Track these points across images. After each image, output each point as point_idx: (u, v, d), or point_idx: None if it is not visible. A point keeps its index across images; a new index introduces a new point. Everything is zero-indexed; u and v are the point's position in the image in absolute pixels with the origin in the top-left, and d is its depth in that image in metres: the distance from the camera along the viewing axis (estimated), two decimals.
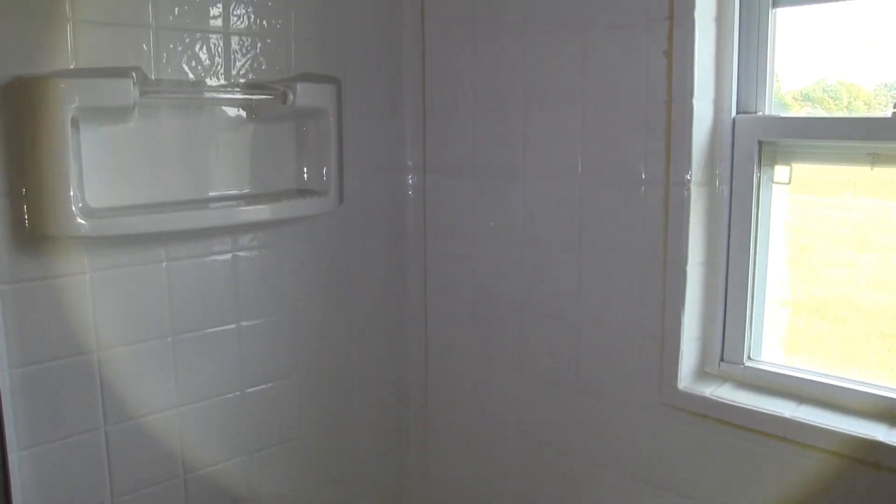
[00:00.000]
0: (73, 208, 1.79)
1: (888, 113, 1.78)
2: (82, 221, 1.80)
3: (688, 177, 1.94)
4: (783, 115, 1.97)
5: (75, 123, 1.82)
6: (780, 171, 2.00)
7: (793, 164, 1.98)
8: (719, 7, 1.95)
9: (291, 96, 2.12)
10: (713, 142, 1.99)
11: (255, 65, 2.19)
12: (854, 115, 1.90)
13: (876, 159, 1.85)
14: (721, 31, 1.96)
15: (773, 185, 2.02)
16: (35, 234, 1.83)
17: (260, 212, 2.11)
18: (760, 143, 1.97)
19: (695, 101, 1.91)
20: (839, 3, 1.91)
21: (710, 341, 2.09)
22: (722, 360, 2.09)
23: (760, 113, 1.98)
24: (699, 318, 2.07)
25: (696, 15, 1.88)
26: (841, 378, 1.91)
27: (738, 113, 2.00)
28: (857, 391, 1.86)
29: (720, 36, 1.96)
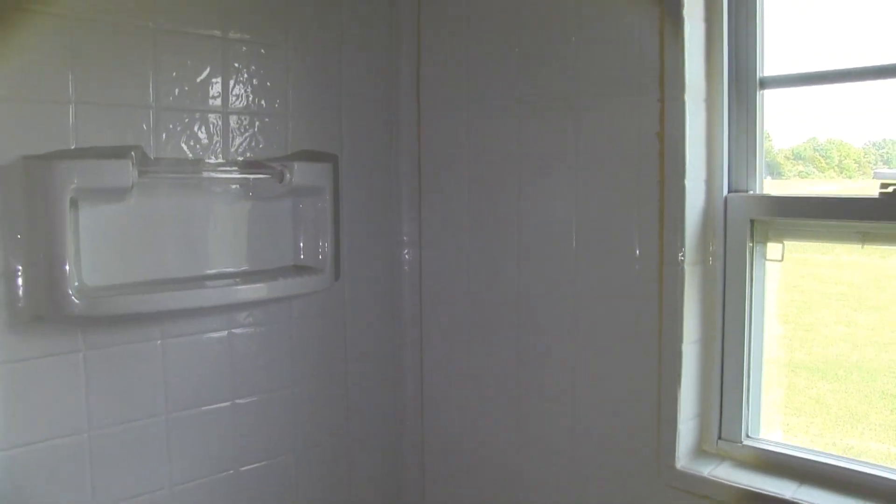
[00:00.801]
0: (70, 288, 1.80)
1: (875, 193, 1.80)
2: (78, 301, 1.81)
3: (681, 256, 1.95)
4: (774, 193, 2.00)
5: (74, 203, 1.85)
6: (773, 248, 2.02)
7: (785, 242, 2.00)
8: (709, 89, 1.99)
9: (289, 175, 2.15)
10: (706, 220, 2.01)
11: (254, 143, 2.22)
12: (843, 195, 1.93)
13: (866, 237, 1.87)
14: (711, 112, 2.00)
15: (766, 263, 2.03)
16: (30, 313, 1.84)
17: (256, 290, 2.12)
18: (752, 221, 2.00)
19: (687, 182, 1.94)
20: (825, 85, 1.96)
21: (707, 419, 2.09)
22: (720, 437, 2.08)
23: (752, 192, 2.01)
24: (696, 396, 2.06)
25: (687, 97, 1.92)
26: (840, 458, 1.91)
27: (729, 191, 2.03)
28: (857, 471, 1.85)
29: (710, 117, 2.00)
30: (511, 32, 2.29)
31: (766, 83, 2.00)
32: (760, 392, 2.07)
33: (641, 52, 1.99)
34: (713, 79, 2.00)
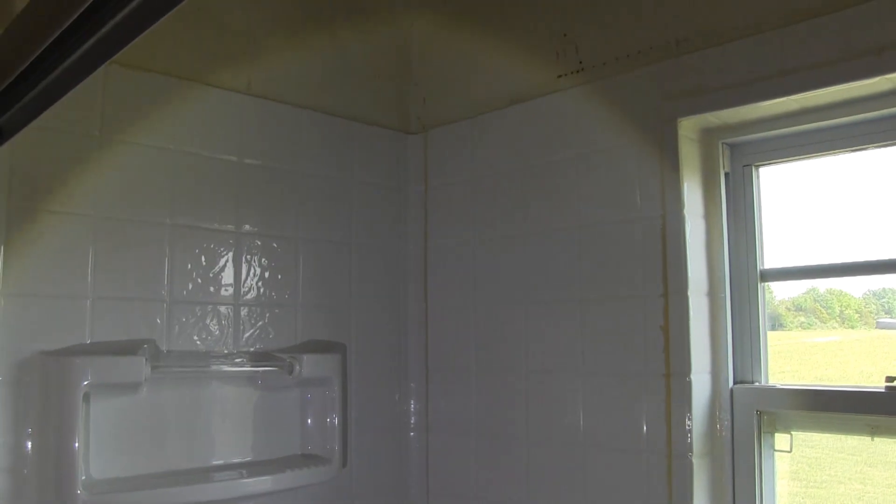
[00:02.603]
0: (77, 484, 1.79)
1: (882, 388, 1.82)
2: (84, 498, 1.79)
3: (689, 451, 1.95)
4: (779, 385, 2.01)
5: (86, 396, 1.86)
6: (781, 438, 2.01)
7: (793, 433, 1.99)
8: (711, 283, 2.05)
9: (298, 368, 2.18)
10: (712, 412, 2.02)
11: (263, 334, 2.26)
12: (849, 387, 1.93)
13: (875, 430, 1.87)
14: (714, 306, 2.05)
15: (775, 453, 2.03)
16: None
17: (261, 483, 2.10)
18: (759, 412, 2.00)
19: (693, 375, 1.96)
20: (825, 279, 2.02)
21: None
22: None
23: (757, 383, 2.03)
24: None
25: (690, 292, 1.97)
26: None
27: (735, 383, 2.04)
28: None
29: (713, 310, 2.05)
30: (517, 235, 2.38)
31: (767, 276, 2.06)
32: None
33: (644, 248, 2.06)
34: (715, 273, 2.05)
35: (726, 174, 2.12)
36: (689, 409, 1.96)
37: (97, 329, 1.94)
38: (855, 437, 1.94)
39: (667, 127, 2.06)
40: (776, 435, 2.02)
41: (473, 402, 2.47)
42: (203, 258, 2.14)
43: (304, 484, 2.24)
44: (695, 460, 1.96)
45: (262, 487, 2.11)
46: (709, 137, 2.11)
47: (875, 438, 1.88)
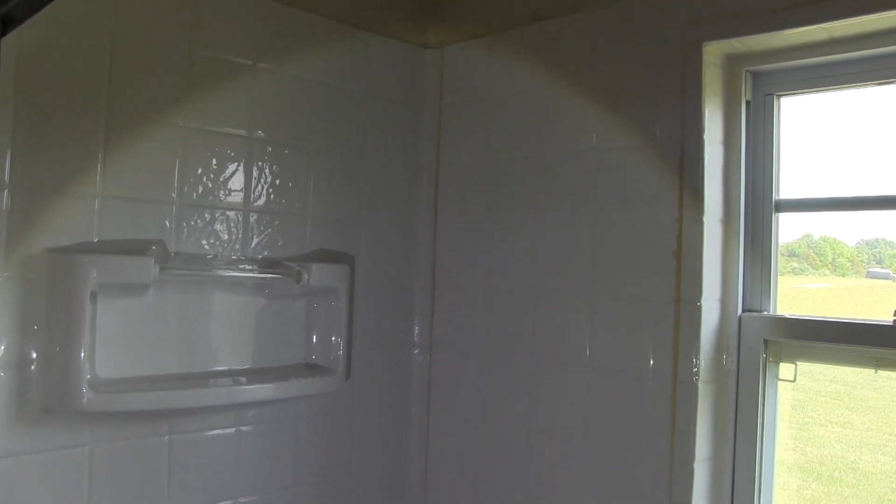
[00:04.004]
0: (83, 383, 1.79)
1: (890, 321, 1.82)
2: (90, 396, 1.79)
3: (695, 377, 1.96)
4: (788, 315, 2.01)
5: (93, 296, 1.85)
6: (786, 368, 2.02)
7: (797, 363, 2.00)
8: (726, 211, 2.03)
9: (306, 276, 2.16)
10: (720, 339, 2.02)
11: (272, 241, 2.24)
12: (857, 320, 1.93)
13: (880, 363, 1.88)
14: (727, 233, 2.04)
15: (779, 382, 2.04)
16: (40, 405, 1.82)
17: (264, 391, 2.11)
18: (766, 341, 2.01)
19: (703, 301, 1.96)
20: (837, 212, 2.01)
21: None
22: None
23: (766, 312, 2.03)
24: None
25: (705, 218, 1.96)
26: None
27: (744, 311, 2.04)
28: None
29: (726, 237, 2.04)
30: (531, 155, 2.36)
31: (782, 206, 2.05)
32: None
33: (661, 173, 2.04)
34: (730, 201, 2.04)
35: (748, 102, 2.09)
36: (697, 335, 1.96)
37: (105, 228, 1.91)
38: (857, 369, 1.96)
39: (692, 52, 2.02)
40: (781, 364, 2.03)
41: (479, 321, 2.47)
42: (214, 162, 2.11)
43: (307, 393, 2.25)
44: (700, 385, 1.97)
45: (265, 395, 2.12)
46: (733, 64, 2.07)
47: (879, 371, 1.89)
